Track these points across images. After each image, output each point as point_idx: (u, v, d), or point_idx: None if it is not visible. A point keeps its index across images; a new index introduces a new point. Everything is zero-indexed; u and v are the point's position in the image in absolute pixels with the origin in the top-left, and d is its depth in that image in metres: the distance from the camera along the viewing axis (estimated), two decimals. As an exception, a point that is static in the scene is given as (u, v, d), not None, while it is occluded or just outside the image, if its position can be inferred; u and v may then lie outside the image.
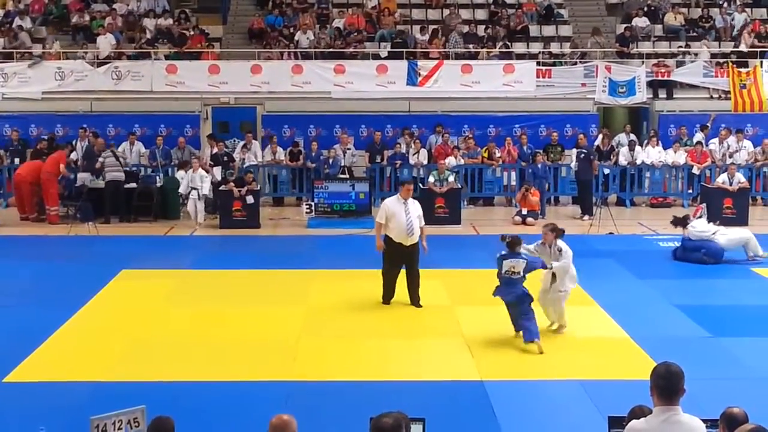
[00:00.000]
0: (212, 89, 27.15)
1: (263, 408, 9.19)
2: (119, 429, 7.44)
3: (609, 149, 25.38)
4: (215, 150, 24.60)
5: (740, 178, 22.88)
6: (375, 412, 6.17)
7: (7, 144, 25.99)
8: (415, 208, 14.98)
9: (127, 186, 23.11)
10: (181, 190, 22.44)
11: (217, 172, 23.73)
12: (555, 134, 26.28)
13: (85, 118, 26.59)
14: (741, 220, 21.81)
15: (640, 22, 30.03)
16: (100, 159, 23.01)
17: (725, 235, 18.29)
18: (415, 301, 15.06)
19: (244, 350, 12.68)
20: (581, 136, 24.76)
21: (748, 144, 25.62)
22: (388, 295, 15.21)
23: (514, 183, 24.93)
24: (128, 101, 26.94)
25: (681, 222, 18.56)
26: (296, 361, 12.31)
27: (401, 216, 14.78)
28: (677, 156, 25.25)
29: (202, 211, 22.16)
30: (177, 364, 12.10)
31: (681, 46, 28.81)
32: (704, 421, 6.41)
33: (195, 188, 22.02)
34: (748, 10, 30.81)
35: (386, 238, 14.96)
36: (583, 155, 23.46)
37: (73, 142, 25.19)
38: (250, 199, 21.85)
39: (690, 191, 25.30)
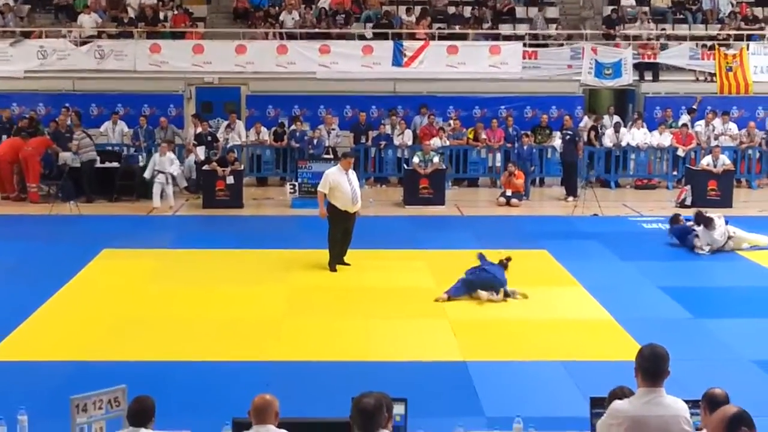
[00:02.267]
0: (196, 69, 27.00)
1: (246, 388, 9.14)
2: (100, 408, 7.46)
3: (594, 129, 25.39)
4: (199, 130, 24.47)
5: (725, 160, 22.89)
6: (357, 392, 6.13)
7: (-7, 122, 25.79)
8: (354, 178, 16.03)
9: (109, 166, 23.03)
10: (146, 174, 22.11)
11: (201, 151, 23.62)
12: (544, 116, 26.22)
13: (68, 97, 26.43)
14: (725, 202, 21.83)
15: (627, 3, 29.96)
16: (75, 140, 22.79)
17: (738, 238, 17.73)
18: (342, 259, 16.09)
19: (227, 330, 12.65)
20: (567, 117, 24.73)
21: (733, 126, 25.64)
22: (335, 261, 15.95)
23: (499, 164, 24.90)
24: (111, 80, 26.76)
25: (706, 221, 17.54)
26: (279, 341, 12.28)
27: (345, 186, 15.70)
28: (662, 138, 25.24)
29: (171, 195, 21.89)
30: (158, 344, 12.06)
31: (664, 29, 28.79)
32: (686, 401, 6.43)
33: (162, 172, 21.84)
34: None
35: (331, 207, 15.79)
36: (568, 137, 23.46)
37: (57, 120, 24.96)
38: (230, 180, 21.76)
39: (675, 173, 25.32)
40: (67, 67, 26.79)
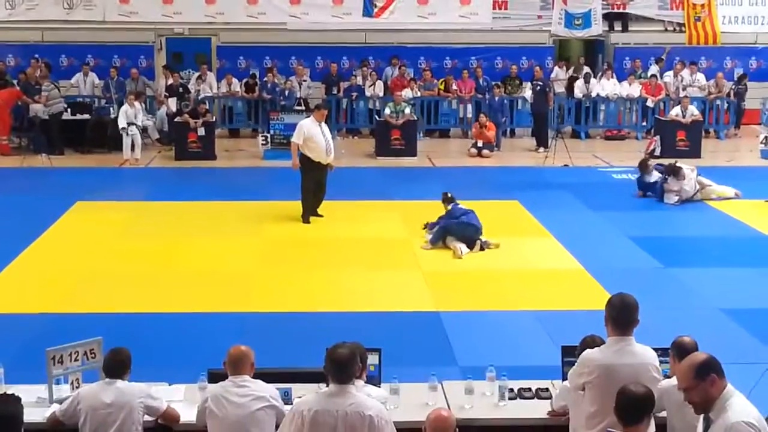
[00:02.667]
0: (166, 20, 26.77)
1: (220, 339, 9.21)
2: (75, 360, 7.48)
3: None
4: (170, 81, 24.34)
5: (693, 110, 22.99)
6: (332, 343, 6.22)
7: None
8: (327, 129, 16.04)
9: (80, 117, 22.88)
10: (120, 124, 21.65)
11: (173, 103, 23.52)
12: (514, 67, 26.24)
13: (37, 48, 26.17)
14: (694, 152, 21.97)
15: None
16: (44, 92, 22.55)
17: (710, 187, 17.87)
18: (316, 210, 16.12)
19: (201, 281, 12.70)
20: (537, 68, 24.75)
21: (701, 77, 25.73)
22: (309, 213, 15.96)
23: (470, 115, 24.92)
24: (80, 31, 26.49)
25: (675, 171, 17.63)
26: (253, 293, 12.37)
27: (319, 137, 15.67)
28: (632, 89, 25.32)
29: (139, 147, 21.64)
30: (133, 296, 12.10)
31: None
32: (656, 349, 6.55)
33: (134, 124, 21.67)
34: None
35: (304, 159, 15.72)
36: (538, 88, 23.50)
37: (26, 72, 24.70)
38: (201, 131, 21.69)
39: (644, 124, 25.43)
40: (35, 17, 26.48)
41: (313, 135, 15.65)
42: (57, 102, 22.53)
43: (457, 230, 14.29)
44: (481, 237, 14.31)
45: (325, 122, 16.25)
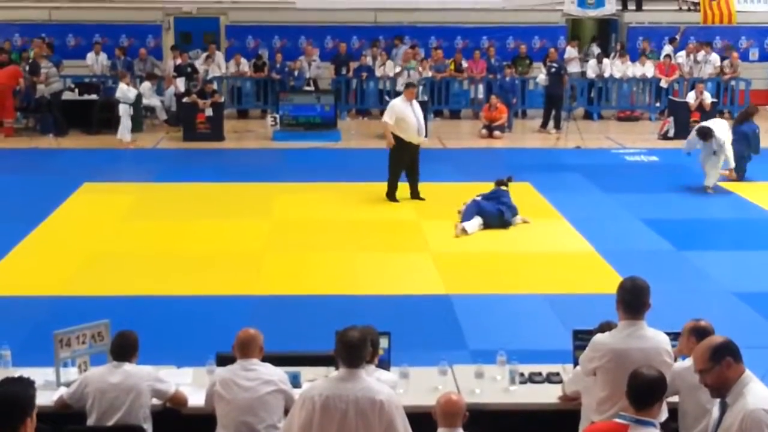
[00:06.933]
0: (174, -2, 26.69)
1: (229, 322, 9.18)
2: (83, 343, 7.48)
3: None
4: (179, 61, 24.23)
5: (708, 97, 22.74)
6: (341, 326, 6.16)
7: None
8: (419, 109, 15.84)
9: (88, 98, 22.79)
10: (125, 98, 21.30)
11: (181, 83, 23.40)
12: (523, 47, 26.07)
13: (44, 28, 26.06)
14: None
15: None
16: (43, 70, 22.32)
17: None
18: (416, 194, 15.97)
19: (209, 264, 12.64)
20: (552, 50, 24.56)
21: (715, 57, 25.52)
22: (394, 191, 15.92)
23: (481, 96, 24.76)
24: (88, 10, 26.38)
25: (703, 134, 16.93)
26: (262, 275, 12.31)
27: (411, 117, 15.58)
28: (645, 69, 25.14)
29: (128, 126, 21.20)
30: (141, 279, 12.05)
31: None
32: (668, 333, 6.51)
33: (126, 103, 21.38)
34: None
35: (395, 138, 15.65)
36: (553, 69, 23.30)
37: (30, 52, 24.55)
38: (209, 112, 21.56)
39: (657, 105, 25.26)
40: (42, -4, 26.42)
41: (405, 115, 15.55)
42: (55, 81, 22.39)
43: (487, 212, 14.32)
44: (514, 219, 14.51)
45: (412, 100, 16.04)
